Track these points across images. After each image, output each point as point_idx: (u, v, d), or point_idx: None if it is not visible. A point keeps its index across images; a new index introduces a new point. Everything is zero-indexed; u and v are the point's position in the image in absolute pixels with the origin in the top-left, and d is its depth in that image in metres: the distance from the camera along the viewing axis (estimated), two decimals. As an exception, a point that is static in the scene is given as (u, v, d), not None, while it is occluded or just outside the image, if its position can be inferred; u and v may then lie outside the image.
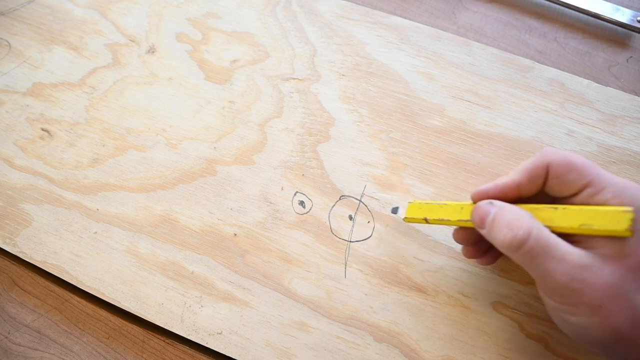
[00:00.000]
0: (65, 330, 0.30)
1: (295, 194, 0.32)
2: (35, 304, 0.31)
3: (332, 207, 0.32)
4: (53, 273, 0.31)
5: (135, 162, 0.34)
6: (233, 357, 0.28)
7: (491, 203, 0.23)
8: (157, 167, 0.33)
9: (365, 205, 0.31)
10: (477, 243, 0.26)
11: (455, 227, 0.27)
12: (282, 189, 0.32)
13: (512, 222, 0.22)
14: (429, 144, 0.33)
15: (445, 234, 0.30)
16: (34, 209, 0.33)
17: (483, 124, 0.33)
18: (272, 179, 0.33)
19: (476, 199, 0.24)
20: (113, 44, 0.38)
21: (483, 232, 0.23)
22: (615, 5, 0.38)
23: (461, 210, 0.25)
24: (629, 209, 0.20)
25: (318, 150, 0.33)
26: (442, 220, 0.26)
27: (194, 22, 0.39)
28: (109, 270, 0.30)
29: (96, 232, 0.32)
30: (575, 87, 0.34)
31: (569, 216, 0.21)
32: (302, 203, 0.32)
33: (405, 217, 0.28)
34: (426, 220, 0.27)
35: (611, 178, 0.21)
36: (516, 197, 0.24)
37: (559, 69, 0.35)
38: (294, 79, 0.36)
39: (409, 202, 0.28)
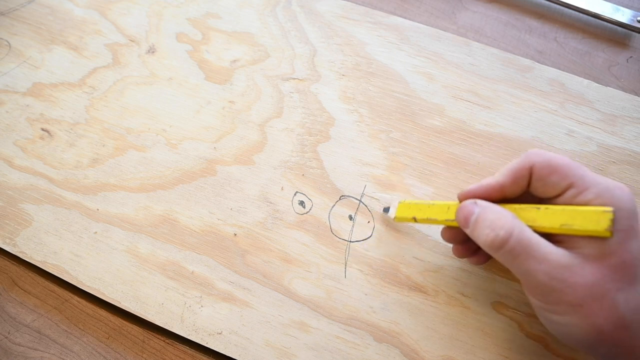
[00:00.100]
0: (65, 330, 0.30)
1: (295, 194, 0.32)
2: (35, 304, 0.31)
3: (332, 207, 0.32)
4: (53, 273, 0.31)
5: (135, 162, 0.34)
6: (233, 357, 0.28)
7: (475, 203, 0.24)
8: (157, 167, 0.33)
9: (365, 205, 0.31)
10: (465, 242, 0.27)
11: (442, 226, 0.27)
12: (282, 189, 0.32)
13: (494, 222, 0.22)
14: (429, 144, 0.33)
15: (445, 234, 0.30)
16: (34, 209, 0.33)
17: (483, 124, 0.33)
18: (272, 179, 0.33)
19: (462, 198, 0.25)
20: (113, 44, 0.38)
21: (467, 231, 0.24)
22: (615, 5, 0.38)
23: (448, 210, 0.25)
24: (609, 209, 0.20)
25: (318, 150, 0.33)
26: (430, 219, 0.26)
27: (194, 22, 0.39)
28: (109, 270, 0.30)
29: (96, 232, 0.32)
30: (575, 87, 0.34)
31: (550, 216, 0.22)
32: (302, 203, 0.32)
33: (395, 217, 0.28)
34: (415, 220, 0.27)
35: (594, 179, 0.22)
36: (501, 197, 0.24)
37: (559, 69, 0.35)
38: (294, 79, 0.36)
39: (399, 202, 0.29)
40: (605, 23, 0.38)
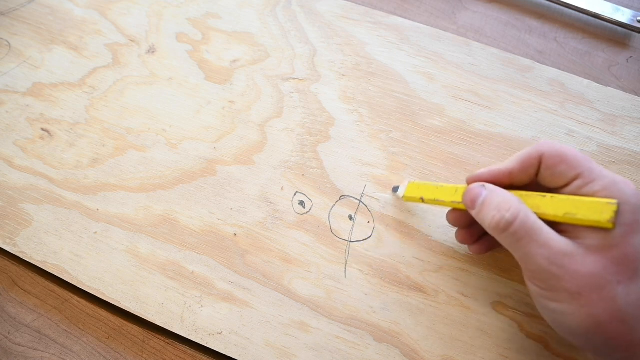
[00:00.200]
0: (65, 330, 0.30)
1: (295, 194, 0.32)
2: (35, 304, 0.31)
3: (332, 207, 0.32)
4: (53, 273, 0.31)
5: (135, 162, 0.34)
6: (233, 357, 0.28)
7: (483, 186, 0.24)
8: (157, 167, 0.33)
9: (365, 205, 0.31)
10: (469, 226, 0.27)
11: (449, 208, 0.28)
12: (282, 189, 0.32)
13: (500, 205, 0.22)
14: (429, 144, 0.33)
15: (445, 234, 0.30)
16: (34, 209, 0.33)
17: (483, 124, 0.33)
18: (272, 179, 0.33)
19: (470, 182, 0.25)
20: (113, 44, 0.38)
21: (473, 213, 0.24)
22: (615, 5, 0.38)
23: (455, 192, 0.26)
24: (614, 201, 0.20)
25: (318, 150, 0.33)
26: (437, 200, 0.27)
27: (194, 22, 0.39)
28: (109, 270, 0.30)
29: (96, 232, 0.32)
30: (575, 87, 0.34)
31: (555, 204, 0.22)
32: (302, 203, 0.32)
33: (404, 196, 0.29)
34: (422, 200, 0.28)
35: (602, 172, 0.22)
36: (509, 184, 0.24)
37: (559, 69, 0.35)
38: (294, 79, 0.36)
39: (409, 182, 0.30)
40: (605, 23, 0.38)
